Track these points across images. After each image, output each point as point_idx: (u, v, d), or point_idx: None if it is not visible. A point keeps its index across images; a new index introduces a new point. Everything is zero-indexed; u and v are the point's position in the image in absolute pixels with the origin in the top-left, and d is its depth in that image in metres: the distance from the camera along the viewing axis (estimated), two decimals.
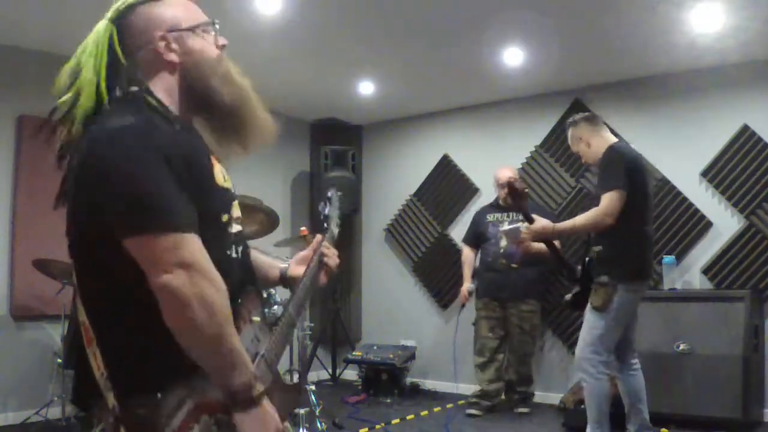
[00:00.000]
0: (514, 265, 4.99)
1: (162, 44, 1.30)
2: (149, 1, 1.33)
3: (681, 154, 4.83)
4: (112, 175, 1.14)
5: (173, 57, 1.31)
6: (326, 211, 1.77)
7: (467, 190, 5.96)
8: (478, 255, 5.30)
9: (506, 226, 4.88)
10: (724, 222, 4.71)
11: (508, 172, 5.09)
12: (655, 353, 4.26)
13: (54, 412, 4.13)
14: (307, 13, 4.09)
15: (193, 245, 1.14)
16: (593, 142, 3.50)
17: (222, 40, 1.40)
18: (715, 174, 4.74)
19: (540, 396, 5.28)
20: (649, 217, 3.43)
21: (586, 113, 3.74)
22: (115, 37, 1.32)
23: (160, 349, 1.15)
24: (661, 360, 4.25)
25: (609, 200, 3.22)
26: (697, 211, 4.80)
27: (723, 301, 4.26)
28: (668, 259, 4.71)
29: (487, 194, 5.54)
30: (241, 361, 1.17)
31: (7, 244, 4.43)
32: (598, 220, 3.25)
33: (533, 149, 5.57)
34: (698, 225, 4.79)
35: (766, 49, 4.42)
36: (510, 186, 3.47)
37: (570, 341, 5.16)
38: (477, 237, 5.30)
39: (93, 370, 1.19)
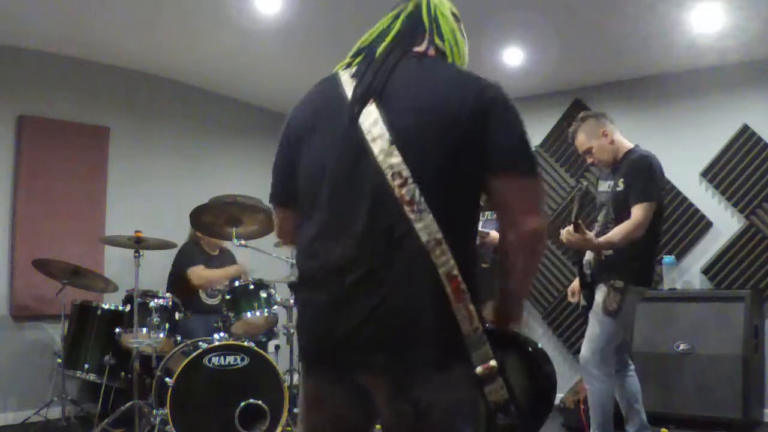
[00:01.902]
0: (483, 264, 4.86)
1: None
2: None
3: (681, 154, 4.83)
4: (517, 119, 1.42)
5: None
6: None
7: None
8: None
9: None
10: (724, 222, 4.71)
11: None
12: (655, 353, 4.26)
13: (54, 412, 4.13)
14: (307, 13, 4.08)
15: None
16: (616, 139, 3.40)
17: None
18: (715, 174, 4.74)
19: None
20: (662, 228, 3.40)
21: (602, 112, 3.59)
22: None
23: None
24: (661, 360, 4.25)
25: (644, 212, 3.12)
26: (697, 211, 4.80)
27: (723, 301, 4.27)
28: (668, 259, 4.71)
29: None
30: None
31: (7, 244, 4.43)
32: (634, 232, 3.13)
33: (533, 149, 5.56)
34: (698, 225, 4.79)
35: (766, 49, 4.42)
36: (583, 194, 3.24)
37: (569, 342, 5.16)
38: None
39: (460, 326, 1.25)
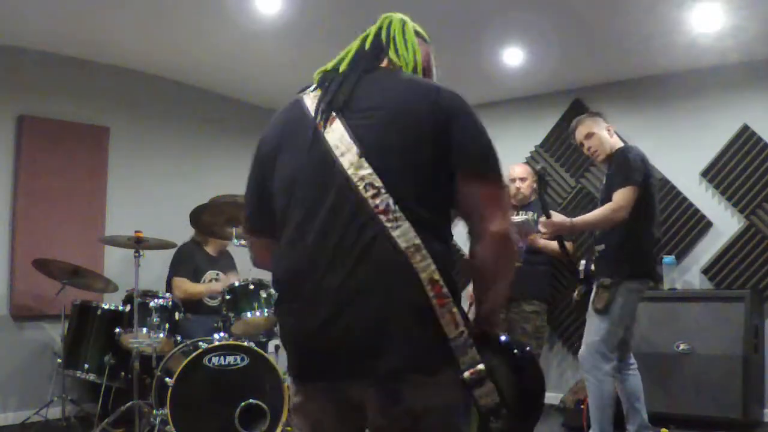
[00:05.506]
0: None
1: None
2: None
3: (681, 154, 4.83)
4: (480, 124, 1.40)
5: None
6: None
7: None
8: None
9: (517, 218, 4.62)
10: (724, 222, 4.71)
11: (519, 168, 4.93)
12: (655, 353, 4.26)
13: (54, 412, 4.13)
14: (307, 13, 4.09)
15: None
16: (613, 134, 3.51)
17: None
18: (715, 174, 4.74)
19: None
20: (656, 220, 3.39)
21: (596, 112, 3.72)
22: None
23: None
24: (661, 360, 4.25)
25: (623, 195, 3.20)
26: (697, 211, 4.80)
27: (723, 301, 4.26)
28: (668, 259, 4.70)
29: None
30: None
31: (7, 244, 4.43)
32: (613, 214, 3.21)
33: (533, 149, 5.57)
34: (698, 225, 4.79)
35: (766, 49, 4.42)
36: (540, 176, 3.49)
37: (570, 341, 5.16)
38: None
39: (443, 331, 1.24)
